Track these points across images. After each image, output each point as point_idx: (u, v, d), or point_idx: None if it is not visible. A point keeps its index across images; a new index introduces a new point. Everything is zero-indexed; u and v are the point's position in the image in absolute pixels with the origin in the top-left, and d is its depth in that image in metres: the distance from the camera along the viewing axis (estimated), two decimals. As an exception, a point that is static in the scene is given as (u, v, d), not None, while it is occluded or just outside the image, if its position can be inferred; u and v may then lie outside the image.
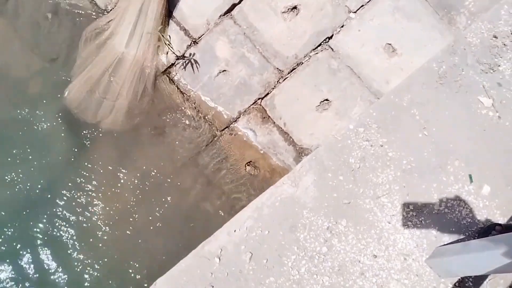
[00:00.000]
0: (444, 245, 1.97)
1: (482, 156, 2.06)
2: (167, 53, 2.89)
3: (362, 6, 2.74)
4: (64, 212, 2.73)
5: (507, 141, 2.08)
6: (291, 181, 2.03)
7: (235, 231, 1.91)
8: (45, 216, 2.70)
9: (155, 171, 2.87)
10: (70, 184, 2.77)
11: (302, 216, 1.97)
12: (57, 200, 2.77)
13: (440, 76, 2.15)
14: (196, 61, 2.85)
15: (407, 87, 2.14)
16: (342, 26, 2.77)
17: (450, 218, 2.00)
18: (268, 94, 2.90)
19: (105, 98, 2.78)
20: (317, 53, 2.82)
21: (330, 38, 2.80)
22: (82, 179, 2.80)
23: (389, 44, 2.72)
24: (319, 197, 1.99)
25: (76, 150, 2.82)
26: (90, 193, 2.78)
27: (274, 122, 2.90)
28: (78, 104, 2.80)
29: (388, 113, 2.12)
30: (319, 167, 2.04)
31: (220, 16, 2.91)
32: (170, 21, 2.97)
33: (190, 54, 2.87)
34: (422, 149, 2.08)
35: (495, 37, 2.19)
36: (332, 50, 2.79)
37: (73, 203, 2.74)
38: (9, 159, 2.73)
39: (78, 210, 2.73)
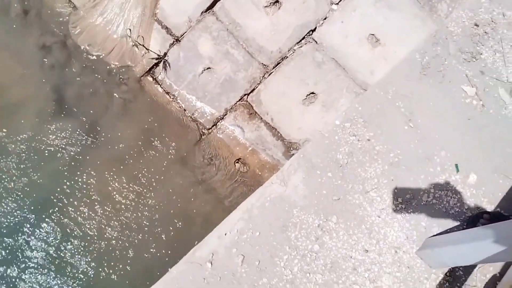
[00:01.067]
0: (434, 235, 1.96)
1: (468, 145, 2.03)
2: (144, 53, 2.79)
3: (344, -3, 2.67)
4: (52, 216, 2.66)
5: (492, 129, 2.06)
6: (280, 180, 1.98)
7: (225, 234, 1.87)
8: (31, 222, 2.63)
9: (143, 173, 2.80)
10: (56, 188, 2.69)
11: (292, 215, 1.93)
12: (47, 206, 2.69)
13: (423, 67, 2.11)
14: (166, 61, 2.76)
15: (391, 80, 2.08)
16: (325, 18, 2.70)
17: (438, 208, 1.98)
18: (254, 90, 2.83)
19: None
20: (301, 47, 2.74)
21: (313, 30, 2.73)
22: (70, 184, 2.73)
23: (372, 34, 2.66)
24: (309, 195, 1.95)
25: (66, 157, 2.74)
26: (78, 197, 2.71)
27: (261, 118, 2.84)
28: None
29: (374, 107, 2.08)
30: (307, 165, 2.00)
31: (202, 13, 2.81)
32: (151, 19, 2.86)
33: (164, 53, 2.78)
34: (408, 141, 2.05)
35: (476, 25, 2.14)
36: (316, 42, 2.72)
37: (61, 207, 2.67)
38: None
39: (66, 215, 2.66)
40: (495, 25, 2.18)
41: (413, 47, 2.55)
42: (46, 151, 2.72)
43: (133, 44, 2.72)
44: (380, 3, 2.64)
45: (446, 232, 1.96)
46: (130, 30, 2.72)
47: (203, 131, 2.88)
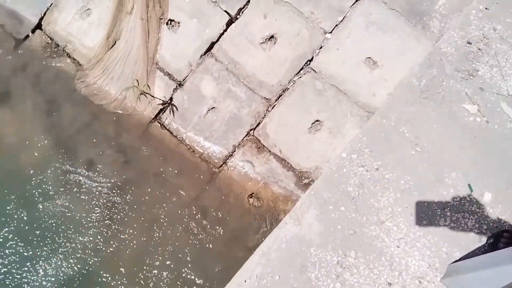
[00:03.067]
0: (456, 261, 1.91)
1: (478, 163, 1.99)
2: (149, 101, 2.85)
3: (337, 25, 2.70)
4: (67, 258, 2.69)
5: (499, 144, 2.02)
6: (293, 220, 1.97)
7: (245, 281, 1.85)
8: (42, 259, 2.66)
9: (159, 217, 2.82)
10: (74, 235, 2.74)
11: (310, 254, 1.91)
12: (57, 244, 2.73)
13: (422, 91, 2.09)
14: (173, 105, 2.82)
15: (392, 106, 2.07)
16: (321, 48, 2.73)
17: (457, 232, 1.94)
18: (259, 124, 2.85)
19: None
20: (300, 77, 2.77)
21: (310, 60, 2.76)
22: (90, 228, 2.77)
23: (369, 57, 2.68)
24: (324, 231, 1.93)
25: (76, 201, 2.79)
26: (97, 241, 2.74)
27: (270, 151, 2.85)
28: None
29: (378, 135, 2.06)
30: (319, 201, 1.98)
31: (201, 56, 2.87)
32: (154, 68, 2.93)
33: (170, 98, 2.84)
34: (417, 166, 2.02)
35: (469, 43, 2.13)
36: (315, 71, 2.74)
37: (78, 252, 2.70)
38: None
39: (83, 258, 2.68)
40: (487, 40, 2.17)
41: (411, 65, 2.55)
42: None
43: (140, 93, 2.79)
44: (372, 27, 2.67)
45: (468, 255, 1.90)
46: (137, 81, 2.79)
47: (214, 170, 2.90)
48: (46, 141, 2.89)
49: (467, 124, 2.03)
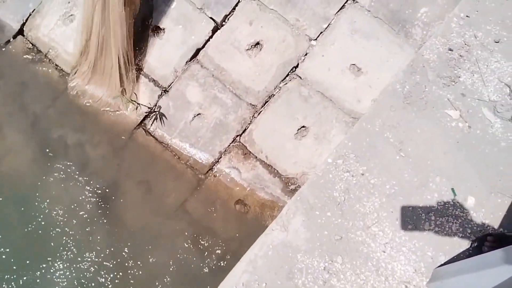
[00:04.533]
0: (442, 265, 1.91)
1: (461, 168, 2.01)
2: (136, 108, 2.80)
3: (322, 32, 2.71)
4: (51, 271, 2.59)
5: (482, 149, 2.04)
6: (280, 226, 1.94)
7: (232, 289, 1.82)
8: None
9: (143, 225, 2.75)
10: (57, 247, 2.64)
11: (297, 261, 1.88)
12: (42, 260, 2.63)
13: (405, 97, 2.11)
14: (162, 114, 2.77)
15: (376, 112, 2.08)
16: (306, 54, 2.74)
17: (442, 236, 1.94)
18: (245, 130, 2.83)
19: None
20: (286, 83, 2.77)
21: (296, 67, 2.76)
22: (68, 242, 2.68)
23: (354, 64, 2.70)
24: (311, 237, 1.91)
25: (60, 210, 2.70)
26: (76, 253, 2.66)
27: (256, 157, 2.82)
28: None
29: (363, 141, 2.06)
30: (305, 207, 1.96)
31: (186, 62, 2.84)
32: (139, 74, 2.89)
33: (158, 106, 2.79)
34: (402, 171, 2.02)
35: (451, 50, 2.17)
36: (300, 78, 2.75)
37: (59, 264, 2.61)
38: None
39: (65, 272, 2.59)
40: (468, 47, 2.21)
41: (395, 71, 2.58)
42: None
43: (127, 101, 2.73)
44: (356, 34, 2.69)
45: (453, 259, 1.91)
46: (124, 90, 2.74)
47: (200, 176, 2.86)
48: (27, 147, 2.80)
49: (450, 129, 2.05)
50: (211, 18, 2.79)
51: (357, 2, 2.66)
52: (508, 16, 2.32)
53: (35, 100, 2.87)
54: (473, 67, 2.17)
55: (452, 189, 2.00)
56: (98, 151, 2.79)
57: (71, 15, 2.88)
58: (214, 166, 2.82)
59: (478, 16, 2.29)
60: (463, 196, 1.98)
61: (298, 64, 2.74)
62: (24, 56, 2.87)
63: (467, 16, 2.30)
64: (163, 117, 2.77)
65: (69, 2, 2.91)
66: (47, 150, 2.79)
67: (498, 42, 2.26)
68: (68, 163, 2.78)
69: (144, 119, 2.88)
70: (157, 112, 2.74)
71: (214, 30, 2.81)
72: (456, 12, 2.31)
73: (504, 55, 2.23)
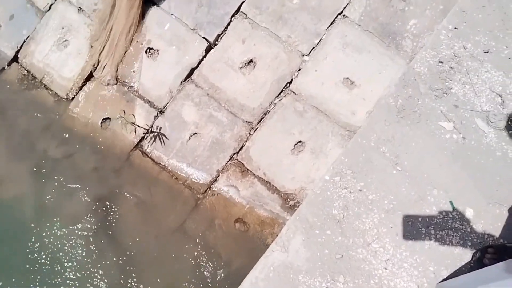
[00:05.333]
0: (444, 279, 1.90)
1: (458, 179, 2.01)
2: (135, 129, 2.81)
3: (314, 48, 2.74)
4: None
5: (478, 160, 2.05)
6: (280, 246, 1.93)
7: (234, 314, 1.79)
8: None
9: (142, 247, 2.73)
10: (50, 267, 2.62)
11: (298, 282, 1.87)
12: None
13: (399, 110, 2.12)
14: (163, 134, 2.78)
15: (371, 127, 2.09)
16: (299, 70, 2.76)
17: (442, 249, 1.93)
18: (242, 147, 2.83)
19: None
20: (281, 99, 2.78)
21: (290, 83, 2.78)
22: (63, 259, 2.65)
23: (347, 78, 2.72)
24: (311, 257, 1.90)
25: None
26: (74, 278, 2.63)
27: (254, 174, 2.82)
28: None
29: (359, 156, 2.07)
30: (305, 226, 1.96)
31: (181, 83, 2.86)
32: (134, 96, 2.91)
33: (158, 127, 2.80)
34: (399, 185, 2.03)
35: (441, 62, 2.19)
36: (295, 93, 2.76)
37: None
38: None
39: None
40: (458, 59, 2.23)
41: (387, 83, 2.60)
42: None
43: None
44: (348, 48, 2.72)
45: (455, 273, 1.89)
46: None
47: (198, 196, 2.85)
48: (22, 173, 2.79)
49: (445, 141, 2.06)
50: (204, 38, 2.81)
51: (347, 17, 2.69)
52: (496, 26, 2.35)
53: (30, 125, 2.88)
54: (464, 78, 2.19)
55: (451, 202, 2.00)
56: (95, 175, 2.78)
57: (65, 40, 2.91)
58: (212, 185, 2.82)
59: (466, 27, 2.32)
60: (461, 208, 1.98)
61: (292, 79, 2.76)
62: (19, 83, 2.88)
63: (455, 28, 2.32)
64: (163, 137, 2.77)
65: (63, 28, 2.93)
66: (43, 172, 2.78)
67: (487, 52, 2.29)
68: (64, 187, 2.77)
69: (141, 140, 2.88)
70: (157, 133, 2.75)
71: (208, 50, 2.83)
72: (444, 24, 2.34)
73: (494, 65, 2.25)
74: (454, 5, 2.51)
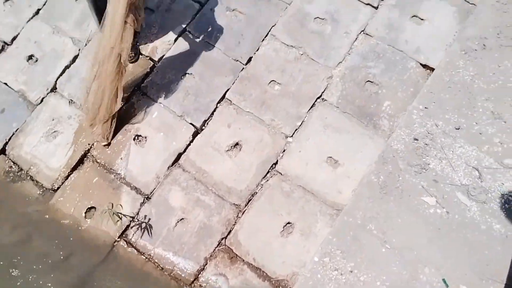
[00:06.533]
0: None
1: (447, 255, 2.12)
2: (120, 218, 2.92)
3: (296, 130, 3.03)
4: None
5: (464, 234, 2.19)
6: (271, 339, 1.93)
7: None
8: None
9: None
10: None
11: None
12: None
13: (381, 187, 2.33)
14: (150, 226, 2.89)
15: (356, 205, 2.27)
16: (284, 151, 3.00)
17: (441, 333, 1.96)
18: (230, 231, 2.91)
19: None
20: (267, 180, 2.96)
21: (275, 164, 2.99)
22: None
23: (330, 157, 2.95)
24: None
25: None
26: None
27: (243, 260, 2.86)
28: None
29: (347, 235, 2.20)
30: (297, 314, 1.99)
31: (168, 168, 3.05)
32: (120, 183, 3.08)
33: (144, 216, 2.92)
34: (390, 264, 2.12)
35: (416, 139, 2.47)
36: (281, 174, 2.96)
37: None
38: None
39: None
40: (432, 136, 2.53)
41: (369, 161, 2.84)
42: None
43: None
44: (328, 129, 3.02)
45: None
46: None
47: (185, 287, 2.85)
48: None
49: (429, 216, 2.23)
50: (191, 123, 3.11)
51: (326, 100, 3.05)
52: (463, 104, 2.70)
53: (10, 219, 2.98)
54: (440, 154, 2.45)
55: (444, 280, 2.09)
56: (76, 270, 2.80)
57: (55, 131, 3.17)
58: (200, 275, 2.84)
59: (436, 107, 2.67)
60: (455, 285, 2.06)
61: (277, 160, 2.99)
62: (5, 176, 3.06)
63: (425, 107, 2.67)
64: (150, 228, 2.87)
65: (53, 120, 3.23)
66: (23, 266, 2.79)
67: (458, 129, 2.60)
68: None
69: (125, 229, 2.97)
70: (145, 223, 2.86)
71: (195, 135, 3.10)
72: (415, 105, 2.69)
73: (466, 140, 2.54)
74: (422, 87, 2.91)
